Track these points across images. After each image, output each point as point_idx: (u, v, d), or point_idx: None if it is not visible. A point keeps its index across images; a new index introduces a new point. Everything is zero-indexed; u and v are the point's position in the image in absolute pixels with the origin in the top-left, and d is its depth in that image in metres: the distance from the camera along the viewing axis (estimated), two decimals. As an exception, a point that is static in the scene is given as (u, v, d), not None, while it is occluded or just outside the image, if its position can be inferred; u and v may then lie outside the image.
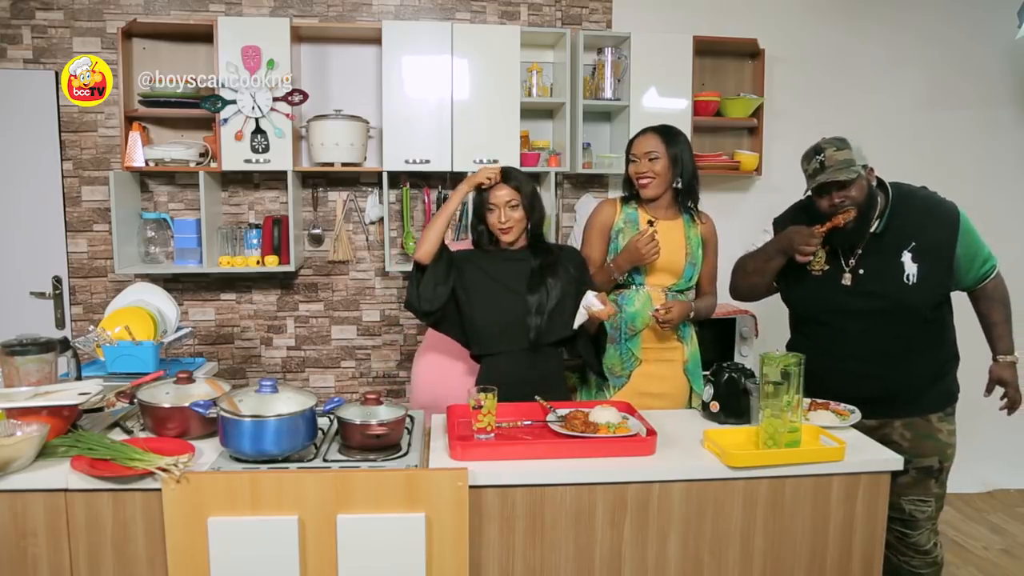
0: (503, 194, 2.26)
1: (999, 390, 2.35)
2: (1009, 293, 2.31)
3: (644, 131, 2.49)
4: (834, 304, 2.25)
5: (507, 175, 2.29)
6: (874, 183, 2.21)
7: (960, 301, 2.33)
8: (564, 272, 2.30)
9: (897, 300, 2.19)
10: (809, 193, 2.23)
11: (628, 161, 2.49)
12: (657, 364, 2.47)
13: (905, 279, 2.18)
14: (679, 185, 2.45)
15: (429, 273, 2.24)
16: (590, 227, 2.54)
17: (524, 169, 3.34)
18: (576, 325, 2.20)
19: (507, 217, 2.26)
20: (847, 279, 2.24)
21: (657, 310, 2.37)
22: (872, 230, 2.21)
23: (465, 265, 2.30)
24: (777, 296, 2.47)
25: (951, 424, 2.29)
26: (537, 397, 2.11)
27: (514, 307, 2.26)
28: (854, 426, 2.12)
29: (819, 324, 2.31)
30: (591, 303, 2.13)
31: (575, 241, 3.47)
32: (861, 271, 2.22)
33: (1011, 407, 2.35)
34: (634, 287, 2.46)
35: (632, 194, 2.51)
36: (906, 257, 2.18)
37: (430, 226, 2.26)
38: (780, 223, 2.40)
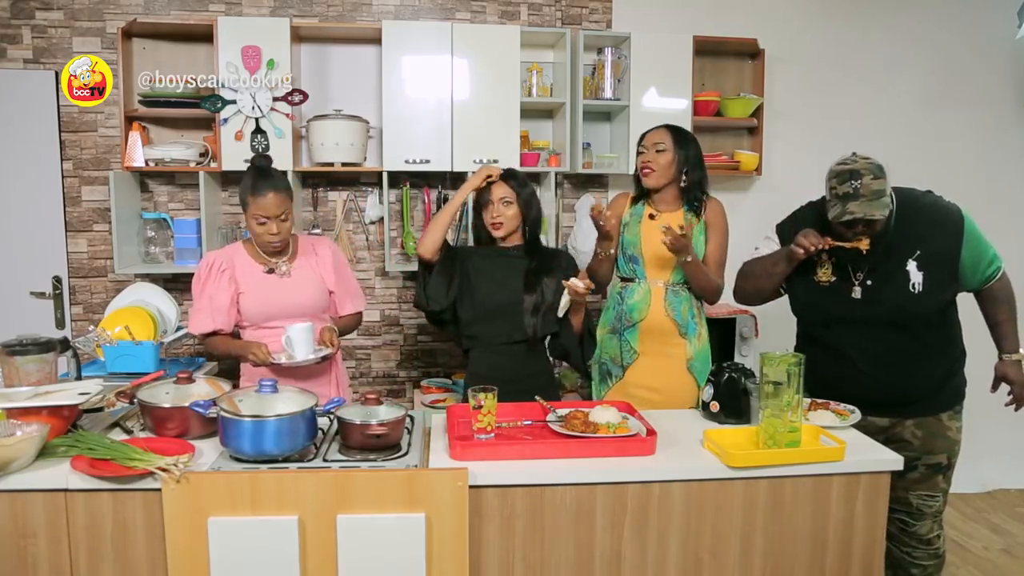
0: (499, 191, 2.38)
1: (1004, 387, 2.35)
2: (1014, 292, 2.31)
3: (658, 126, 2.58)
4: (842, 315, 2.24)
5: (507, 175, 2.42)
6: (893, 206, 2.15)
7: (964, 298, 2.33)
8: (558, 274, 2.37)
9: (902, 308, 2.18)
10: (828, 208, 2.14)
11: (638, 154, 2.56)
12: (657, 358, 2.49)
13: (911, 288, 2.17)
14: (684, 184, 2.50)
15: (436, 273, 2.36)
16: None
17: (524, 169, 3.34)
18: (561, 311, 2.29)
19: (499, 213, 2.37)
20: (857, 292, 2.21)
21: (669, 229, 2.30)
22: None
23: (466, 258, 2.41)
24: (778, 296, 2.46)
25: (959, 421, 2.30)
26: (537, 397, 2.13)
27: (509, 303, 2.34)
28: (864, 422, 2.13)
29: (827, 334, 2.29)
30: (572, 282, 2.21)
31: (576, 240, 3.48)
32: (869, 282, 2.21)
33: (1018, 403, 2.35)
34: (636, 280, 2.51)
35: (640, 191, 2.57)
36: (911, 266, 2.17)
37: (434, 221, 2.37)
38: (784, 227, 2.39)
